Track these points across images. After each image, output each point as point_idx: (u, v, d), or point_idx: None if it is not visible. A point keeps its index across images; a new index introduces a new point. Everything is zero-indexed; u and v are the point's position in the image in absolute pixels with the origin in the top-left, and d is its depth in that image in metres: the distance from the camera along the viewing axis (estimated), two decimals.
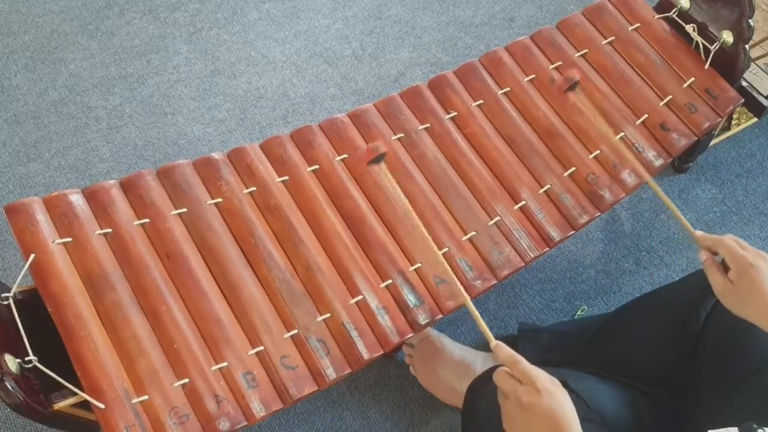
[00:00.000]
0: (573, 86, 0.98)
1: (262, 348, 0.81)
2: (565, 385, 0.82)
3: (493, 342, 0.71)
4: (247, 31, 1.52)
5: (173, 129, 1.37)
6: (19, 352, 0.71)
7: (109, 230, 0.84)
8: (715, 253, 0.79)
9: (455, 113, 1.02)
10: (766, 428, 0.65)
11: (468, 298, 0.79)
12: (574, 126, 1.02)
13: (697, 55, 1.06)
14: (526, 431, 0.66)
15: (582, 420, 0.79)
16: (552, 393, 0.65)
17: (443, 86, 1.04)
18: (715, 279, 0.76)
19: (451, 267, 0.91)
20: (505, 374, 0.68)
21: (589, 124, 1.01)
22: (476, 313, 0.76)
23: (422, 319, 0.87)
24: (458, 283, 0.81)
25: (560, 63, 1.07)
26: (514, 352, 0.69)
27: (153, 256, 0.84)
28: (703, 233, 0.82)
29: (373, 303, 0.86)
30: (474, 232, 0.93)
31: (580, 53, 1.08)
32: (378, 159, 0.90)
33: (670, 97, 1.03)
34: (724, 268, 0.77)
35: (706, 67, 1.04)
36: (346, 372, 0.82)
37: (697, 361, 0.86)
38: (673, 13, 1.08)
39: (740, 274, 0.74)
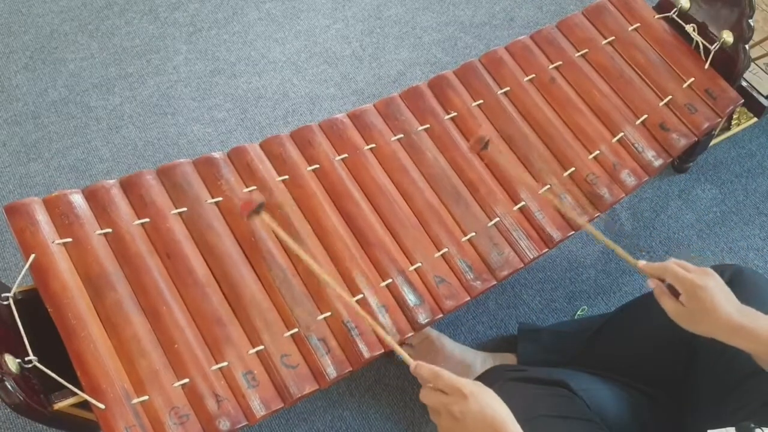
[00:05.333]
0: (485, 145, 0.96)
1: (262, 347, 0.81)
2: (565, 385, 0.83)
3: (413, 363, 0.70)
4: (247, 31, 1.52)
5: (173, 129, 1.37)
6: (19, 352, 0.72)
7: (110, 230, 0.84)
8: (663, 280, 0.79)
9: (455, 113, 1.02)
10: (764, 428, 0.65)
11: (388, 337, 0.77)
12: (573, 126, 1.02)
13: (697, 55, 1.06)
14: None
15: (582, 420, 0.79)
16: (477, 395, 0.65)
17: (443, 86, 1.04)
18: (667, 305, 0.78)
19: (450, 268, 0.91)
20: (430, 390, 0.68)
21: (590, 125, 1.02)
22: (390, 340, 0.76)
23: (422, 318, 0.87)
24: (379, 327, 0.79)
25: (560, 63, 1.07)
26: (433, 367, 0.68)
27: (153, 256, 0.84)
28: (645, 263, 0.82)
29: (373, 302, 0.86)
30: (473, 233, 0.93)
31: (580, 53, 1.08)
32: (258, 209, 0.85)
33: (670, 97, 1.03)
34: (674, 292, 0.77)
35: (706, 67, 1.04)
36: (347, 371, 0.82)
37: (697, 361, 0.86)
38: (673, 13, 1.08)
39: (690, 296, 0.75)
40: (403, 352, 0.73)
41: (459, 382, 0.66)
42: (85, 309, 0.78)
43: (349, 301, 0.81)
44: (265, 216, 0.86)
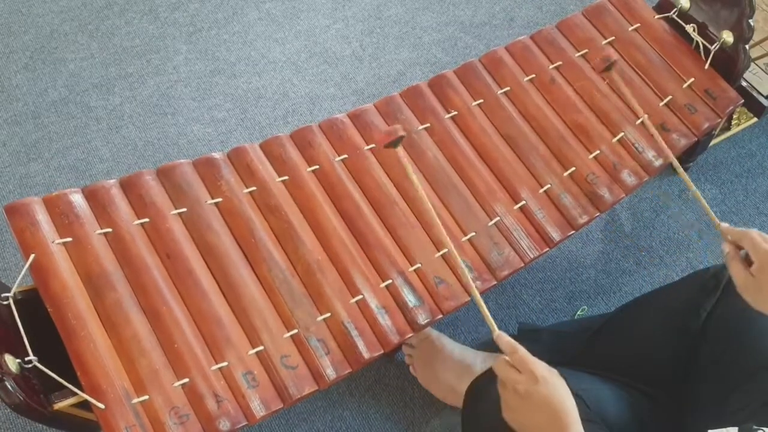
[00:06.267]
0: (609, 67, 0.95)
1: (262, 348, 0.81)
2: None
3: (496, 332, 0.72)
4: (247, 31, 1.52)
5: (173, 129, 1.37)
6: (19, 352, 0.71)
7: (110, 230, 0.84)
8: (740, 248, 0.78)
9: (455, 113, 1.02)
10: (765, 428, 0.65)
11: (474, 288, 0.78)
12: (573, 125, 1.02)
13: (697, 56, 1.06)
14: (526, 419, 0.67)
15: (582, 420, 0.79)
16: (548, 381, 0.66)
17: (443, 86, 1.04)
18: (737, 272, 0.76)
19: (450, 268, 0.91)
20: (504, 363, 0.69)
21: (588, 122, 1.02)
22: (481, 303, 0.76)
23: (422, 319, 0.87)
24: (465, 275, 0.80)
25: (560, 63, 1.07)
26: (513, 341, 0.70)
27: (153, 256, 0.84)
28: (728, 225, 0.80)
29: (373, 303, 0.86)
30: (474, 233, 0.93)
31: (580, 53, 1.08)
32: (396, 142, 0.86)
33: (670, 97, 1.03)
34: (747, 262, 0.76)
35: (706, 67, 1.04)
36: (346, 372, 0.82)
37: (697, 361, 0.86)
38: (673, 13, 1.08)
39: (762, 268, 0.73)
40: (490, 319, 0.74)
41: (533, 364, 0.67)
42: (85, 309, 0.78)
43: (453, 252, 0.81)
44: (400, 150, 0.86)
